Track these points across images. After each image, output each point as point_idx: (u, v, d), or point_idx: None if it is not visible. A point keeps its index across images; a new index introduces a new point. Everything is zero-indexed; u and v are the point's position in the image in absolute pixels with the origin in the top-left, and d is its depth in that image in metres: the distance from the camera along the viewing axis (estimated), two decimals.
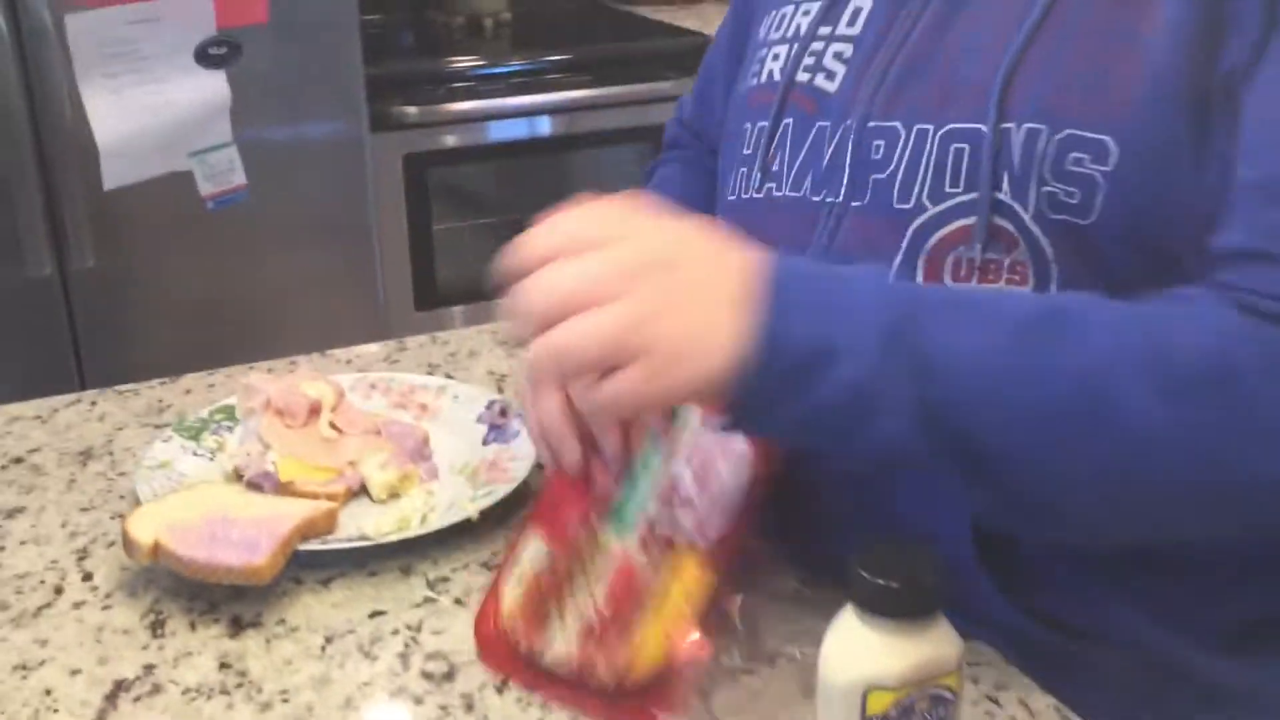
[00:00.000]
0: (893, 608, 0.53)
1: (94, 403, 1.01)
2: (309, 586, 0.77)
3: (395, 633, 0.73)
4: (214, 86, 1.81)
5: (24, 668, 0.70)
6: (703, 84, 0.98)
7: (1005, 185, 0.63)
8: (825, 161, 0.71)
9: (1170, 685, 0.70)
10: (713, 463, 0.62)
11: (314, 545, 0.77)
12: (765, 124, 0.75)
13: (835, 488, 0.69)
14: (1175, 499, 0.57)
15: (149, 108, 1.77)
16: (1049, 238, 0.63)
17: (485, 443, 0.91)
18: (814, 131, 0.72)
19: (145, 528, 0.75)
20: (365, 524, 0.80)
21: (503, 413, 0.93)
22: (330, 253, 2.00)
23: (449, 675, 0.69)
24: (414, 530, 0.78)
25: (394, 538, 0.78)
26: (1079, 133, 0.62)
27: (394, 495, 0.85)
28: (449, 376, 1.04)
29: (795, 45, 0.76)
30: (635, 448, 0.65)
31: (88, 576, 0.78)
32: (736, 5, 0.92)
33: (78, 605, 0.76)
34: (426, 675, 0.69)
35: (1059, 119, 0.63)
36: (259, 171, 1.86)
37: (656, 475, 0.64)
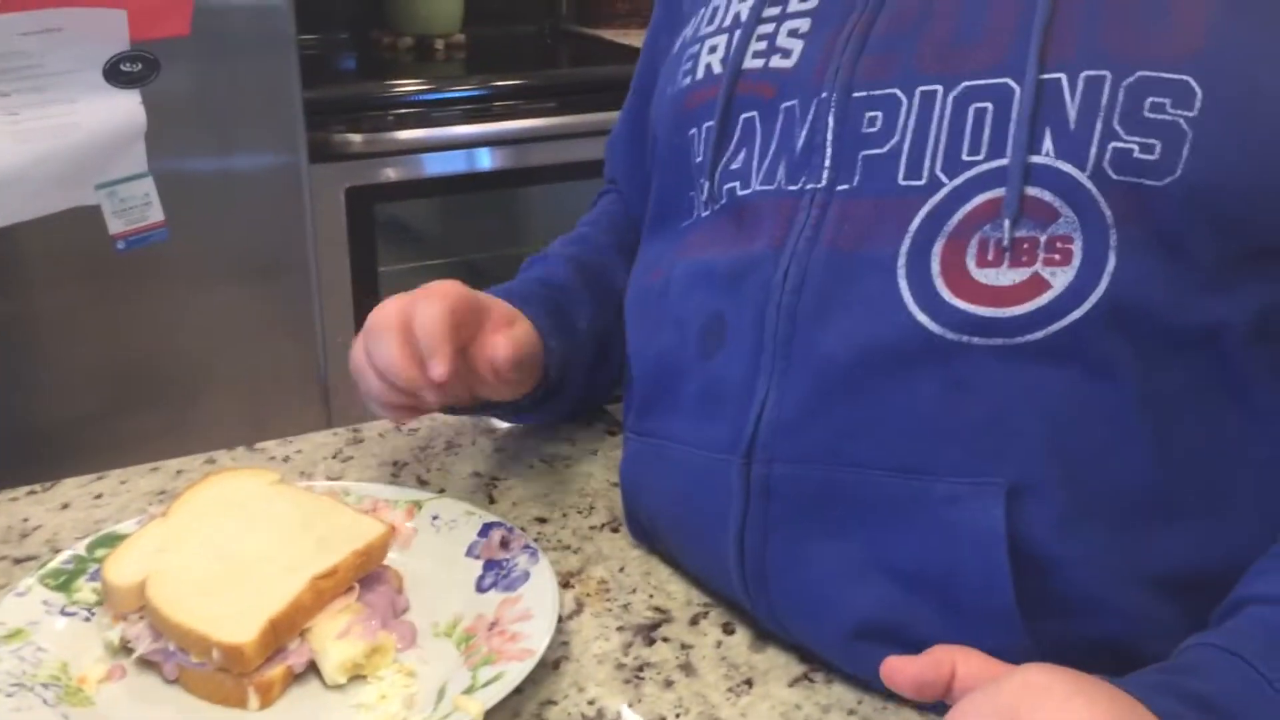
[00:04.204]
0: None
1: None
2: None
3: None
4: (127, 108, 1.59)
5: None
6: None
7: (1048, 145, 0.55)
8: (800, 144, 0.63)
9: None
10: None
11: None
12: (712, 123, 0.67)
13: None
14: None
15: (50, 132, 1.57)
16: (1109, 200, 0.54)
17: (481, 588, 0.66)
18: (781, 115, 0.64)
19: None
20: None
21: (504, 543, 0.68)
22: (262, 301, 1.77)
23: None
24: None
25: None
26: (1153, 74, 0.53)
27: (356, 675, 0.59)
28: (422, 483, 0.79)
29: (737, 33, 0.68)
30: None
31: None
32: (657, 20, 0.85)
33: None
34: None
35: (1123, 61, 0.53)
36: (179, 207, 1.63)
37: None
